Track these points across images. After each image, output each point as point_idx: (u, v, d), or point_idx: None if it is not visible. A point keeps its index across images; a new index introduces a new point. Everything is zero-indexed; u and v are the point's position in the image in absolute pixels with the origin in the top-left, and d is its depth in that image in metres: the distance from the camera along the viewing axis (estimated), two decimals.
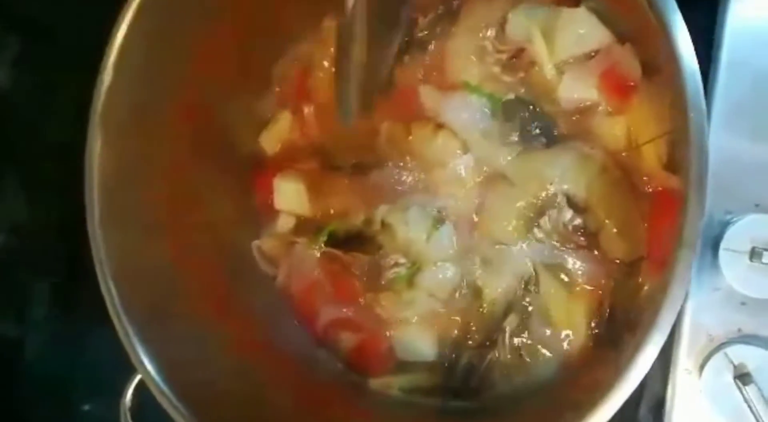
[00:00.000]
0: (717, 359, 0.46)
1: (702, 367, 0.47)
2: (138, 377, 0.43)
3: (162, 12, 0.46)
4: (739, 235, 0.45)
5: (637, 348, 0.33)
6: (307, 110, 0.58)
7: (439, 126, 0.52)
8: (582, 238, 0.48)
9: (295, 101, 0.58)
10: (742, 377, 0.45)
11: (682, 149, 0.32)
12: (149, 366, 0.42)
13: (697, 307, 0.47)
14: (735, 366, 0.45)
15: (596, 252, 0.48)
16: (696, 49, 0.49)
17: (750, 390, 0.44)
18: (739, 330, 0.46)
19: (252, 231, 0.58)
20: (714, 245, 0.47)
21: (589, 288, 0.48)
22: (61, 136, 0.57)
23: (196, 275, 0.51)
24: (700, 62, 0.49)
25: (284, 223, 0.57)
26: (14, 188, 0.68)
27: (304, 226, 0.57)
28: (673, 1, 0.33)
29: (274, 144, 0.58)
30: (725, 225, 0.47)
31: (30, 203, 0.68)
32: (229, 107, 0.56)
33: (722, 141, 0.47)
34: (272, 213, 0.58)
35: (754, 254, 0.44)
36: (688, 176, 0.32)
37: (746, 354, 0.45)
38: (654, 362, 0.51)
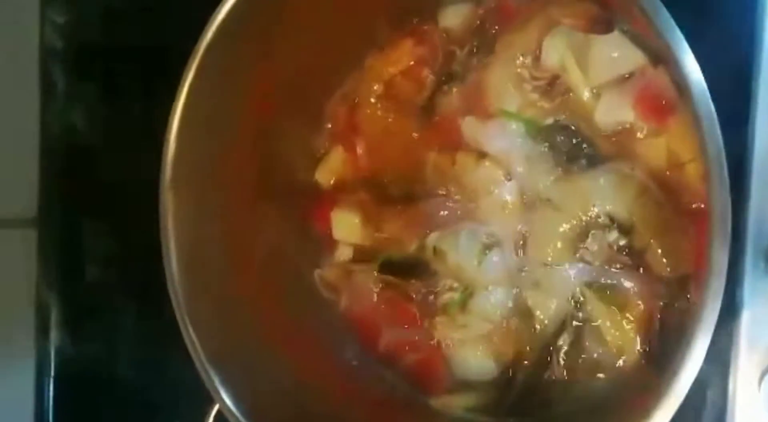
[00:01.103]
0: None
1: (762, 379, 0.47)
2: (216, 407, 0.47)
3: (217, 73, 0.50)
4: None
5: (671, 376, 0.34)
6: (358, 145, 0.61)
7: (482, 155, 0.54)
8: (628, 258, 0.48)
9: (346, 136, 0.61)
10: None
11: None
12: (225, 398, 0.46)
13: (754, 317, 0.47)
14: None
15: (643, 272, 0.48)
16: (737, 44, 0.49)
17: None
18: None
19: (313, 261, 0.62)
20: (766, 254, 0.46)
21: (637, 307, 0.48)
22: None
23: (266, 307, 0.55)
24: (741, 58, 0.48)
25: (343, 253, 0.61)
26: (102, 224, 0.74)
27: (362, 255, 0.60)
28: (677, 31, 0.34)
29: (328, 178, 0.62)
30: None
31: (116, 238, 0.74)
32: (287, 147, 0.60)
33: None
34: (331, 243, 0.61)
35: None
36: (710, 205, 0.32)
37: None
38: (716, 374, 0.51)
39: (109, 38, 0.68)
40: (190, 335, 0.48)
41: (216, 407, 0.47)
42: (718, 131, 0.33)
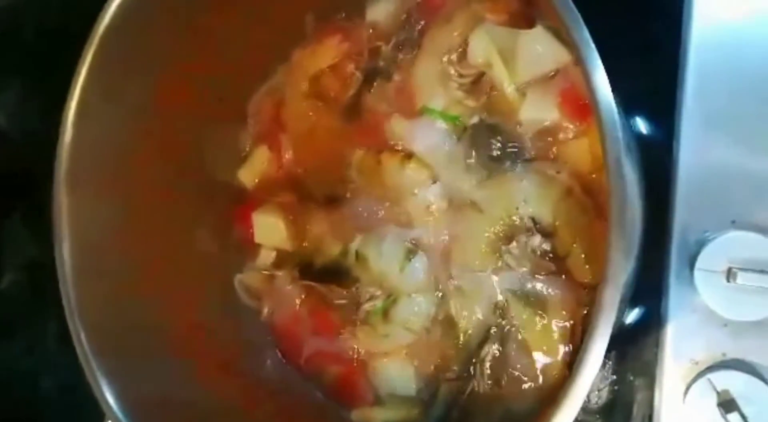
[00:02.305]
0: (700, 385, 0.44)
1: (686, 393, 0.45)
2: None
3: (120, 61, 0.47)
4: (714, 255, 0.43)
5: (567, 388, 0.31)
6: (283, 144, 0.58)
7: (408, 156, 0.51)
8: (551, 264, 0.46)
9: (271, 135, 0.59)
10: (726, 404, 0.42)
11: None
12: (116, 410, 0.43)
13: (677, 330, 0.45)
14: (718, 393, 0.43)
15: (567, 280, 0.46)
16: (660, 61, 0.48)
17: (732, 419, 0.41)
18: (724, 354, 0.44)
19: (235, 265, 0.59)
20: (691, 265, 0.45)
21: (561, 315, 0.46)
22: None
23: (172, 314, 0.52)
24: (666, 72, 0.47)
25: (265, 257, 0.58)
26: (23, 226, 0.70)
27: (285, 260, 0.57)
28: (585, 32, 0.32)
29: (252, 178, 0.59)
30: (702, 244, 0.45)
31: (37, 242, 0.70)
32: (207, 144, 0.57)
33: (696, 155, 0.46)
34: (254, 247, 0.58)
35: (731, 274, 0.42)
36: (610, 207, 0.30)
37: (730, 380, 0.43)
38: (644, 387, 0.49)
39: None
40: (81, 343, 0.44)
41: None
42: (619, 134, 0.31)
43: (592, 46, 0.32)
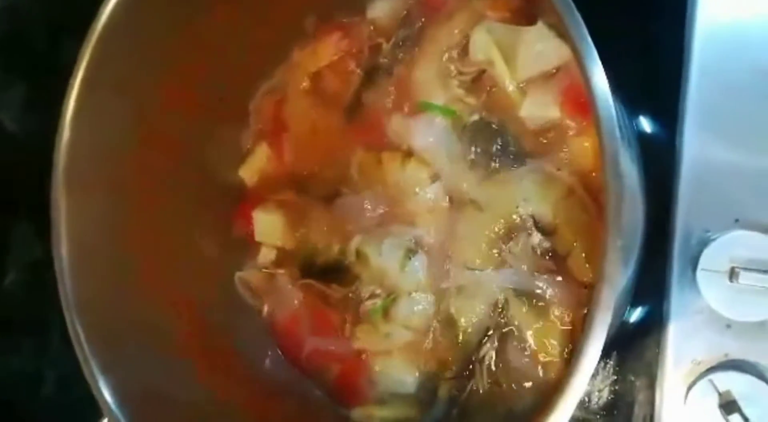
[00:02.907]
0: (701, 386, 0.43)
1: (688, 393, 0.44)
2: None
3: (119, 60, 0.47)
4: (717, 254, 0.43)
5: (562, 388, 0.31)
6: (284, 142, 0.58)
7: (408, 155, 0.51)
8: (551, 263, 0.46)
9: (271, 133, 0.58)
10: (727, 405, 0.42)
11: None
12: (114, 408, 0.43)
13: (680, 331, 0.45)
14: (720, 394, 0.43)
15: (568, 279, 0.46)
16: (663, 60, 0.47)
17: (734, 420, 0.41)
18: (726, 354, 0.44)
19: (235, 263, 0.59)
20: (694, 265, 0.44)
21: (562, 314, 0.46)
22: None
23: (172, 313, 0.52)
24: (669, 71, 0.47)
25: (265, 255, 0.58)
26: (27, 225, 0.70)
27: (285, 258, 0.57)
28: (584, 29, 0.32)
29: (252, 175, 0.59)
30: (705, 243, 0.44)
31: (41, 240, 0.70)
32: (207, 143, 0.57)
33: (699, 153, 0.45)
34: (254, 245, 0.58)
35: (733, 274, 0.42)
36: (606, 205, 0.30)
37: (732, 381, 0.43)
38: (645, 387, 0.49)
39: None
40: (80, 342, 0.44)
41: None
42: (616, 131, 0.30)
43: (590, 42, 0.32)
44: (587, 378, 0.31)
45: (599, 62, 0.31)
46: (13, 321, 0.69)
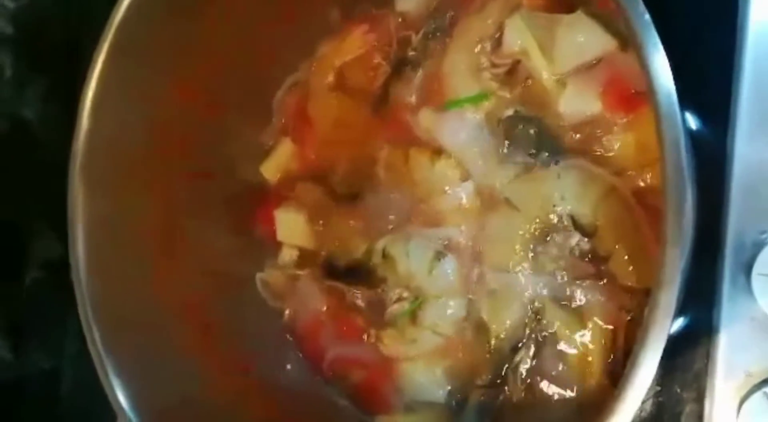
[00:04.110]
0: (755, 399, 0.40)
1: (740, 407, 0.41)
2: None
3: (138, 53, 0.45)
4: None
5: (614, 399, 0.28)
6: (307, 138, 0.56)
7: (437, 152, 0.49)
8: (591, 265, 0.43)
9: (295, 129, 0.57)
10: None
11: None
12: (129, 412, 0.41)
13: (731, 340, 0.42)
14: None
15: (609, 283, 0.43)
16: (714, 54, 0.44)
17: None
18: None
19: (257, 264, 0.57)
20: (747, 269, 0.41)
21: (601, 320, 0.43)
22: None
23: (191, 314, 0.50)
24: (719, 68, 0.44)
25: (287, 255, 0.56)
26: (45, 225, 0.69)
27: (308, 259, 0.55)
28: (646, 15, 0.29)
29: (274, 173, 0.57)
30: (760, 246, 0.41)
31: (61, 239, 0.69)
32: (229, 139, 0.55)
33: (752, 152, 0.42)
34: (276, 244, 0.56)
35: None
36: (665, 200, 0.27)
37: None
38: (692, 400, 0.46)
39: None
40: (95, 342, 0.43)
41: None
42: (680, 130, 0.28)
43: (652, 27, 0.29)
44: (644, 390, 0.28)
45: (661, 47, 0.29)
46: (29, 321, 0.68)
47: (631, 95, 0.42)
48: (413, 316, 0.49)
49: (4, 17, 0.68)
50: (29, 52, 0.68)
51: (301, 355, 0.54)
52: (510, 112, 0.47)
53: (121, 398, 0.41)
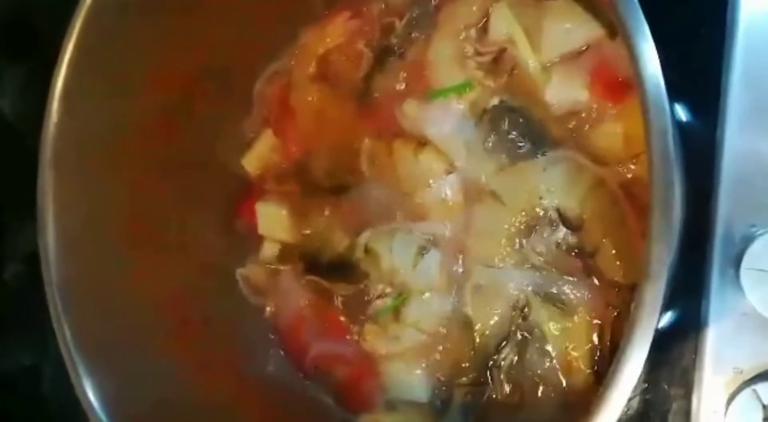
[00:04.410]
0: (744, 396, 0.39)
1: (729, 404, 0.40)
2: None
3: (111, 38, 0.44)
4: (763, 252, 0.39)
5: (599, 396, 0.27)
6: (289, 129, 0.54)
7: (422, 144, 0.47)
8: (577, 260, 0.42)
9: (277, 120, 0.55)
10: None
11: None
12: (99, 411, 0.39)
13: (720, 336, 0.41)
14: (765, 406, 0.39)
15: (594, 278, 0.42)
16: (704, 45, 0.43)
17: None
18: None
19: (237, 259, 0.55)
20: (736, 263, 0.40)
21: (587, 316, 0.42)
22: None
23: (173, 310, 0.48)
24: (709, 59, 0.43)
25: (268, 250, 0.54)
26: (26, 217, 0.67)
27: (290, 253, 0.54)
28: (636, 3, 0.28)
29: (256, 165, 0.55)
30: (749, 240, 0.40)
31: None
32: (208, 129, 0.54)
33: (742, 144, 0.41)
34: (258, 239, 0.55)
35: None
36: (652, 191, 0.26)
37: None
38: (680, 397, 0.45)
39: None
40: (65, 339, 0.41)
41: None
42: (668, 119, 0.27)
43: (641, 15, 0.28)
44: (630, 387, 0.27)
45: (649, 35, 0.27)
46: (10, 317, 0.66)
47: (618, 84, 0.41)
48: (396, 313, 0.48)
49: None
50: (5, 41, 0.66)
51: (283, 353, 0.53)
52: (495, 101, 0.45)
53: (93, 399, 0.39)
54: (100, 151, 0.45)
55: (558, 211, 0.42)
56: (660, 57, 0.31)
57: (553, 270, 0.43)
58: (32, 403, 0.65)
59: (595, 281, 0.42)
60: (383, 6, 0.50)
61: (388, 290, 0.49)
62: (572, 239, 0.42)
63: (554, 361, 0.44)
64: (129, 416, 0.41)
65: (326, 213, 0.52)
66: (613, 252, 0.40)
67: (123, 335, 0.44)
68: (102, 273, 0.45)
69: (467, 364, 0.47)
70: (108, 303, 0.44)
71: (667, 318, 0.45)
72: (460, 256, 0.47)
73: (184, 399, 0.44)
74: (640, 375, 0.45)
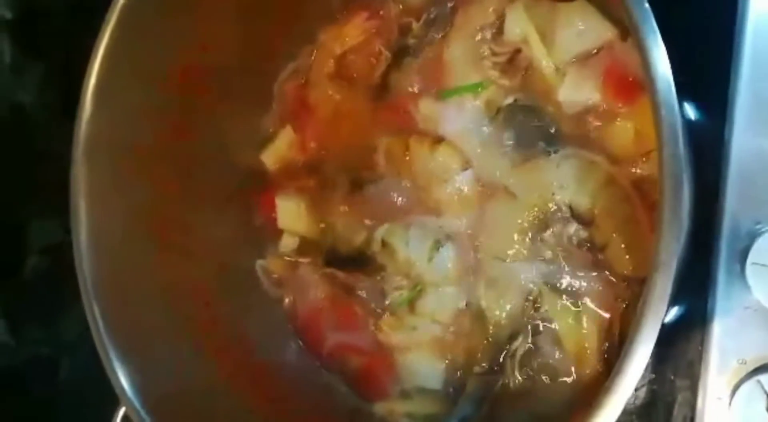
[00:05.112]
0: (748, 387, 0.41)
1: (733, 395, 0.42)
2: (123, 409, 0.42)
3: (141, 38, 0.45)
4: None
5: (606, 387, 0.29)
6: (307, 126, 0.56)
7: (438, 141, 0.49)
8: (588, 254, 0.43)
9: (296, 117, 0.57)
10: None
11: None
12: (131, 396, 0.41)
13: (725, 328, 0.42)
14: None
15: (605, 272, 0.43)
16: (712, 43, 0.44)
17: None
18: None
19: (257, 251, 0.57)
20: (742, 259, 0.41)
21: (598, 310, 0.43)
22: None
23: (196, 301, 0.50)
24: (717, 57, 0.44)
25: (287, 243, 0.56)
26: (45, 210, 0.69)
27: (308, 246, 0.55)
28: (646, 4, 0.29)
29: (274, 160, 0.57)
30: (755, 235, 0.41)
31: (61, 224, 0.69)
32: (230, 125, 0.55)
33: (749, 143, 0.42)
34: (276, 232, 0.57)
35: None
36: (662, 187, 0.27)
37: None
38: (685, 388, 0.46)
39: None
40: (98, 327, 0.43)
41: (122, 410, 0.42)
42: (678, 117, 0.28)
43: (651, 16, 0.29)
44: (637, 376, 0.28)
45: (659, 37, 0.29)
46: (30, 307, 0.68)
47: (629, 84, 0.42)
48: (412, 304, 0.50)
49: (2, 2, 0.68)
50: (27, 38, 0.68)
51: (300, 343, 0.55)
52: (510, 100, 0.47)
53: (125, 384, 0.41)
54: (128, 146, 0.46)
55: (570, 206, 0.44)
56: (670, 56, 0.32)
57: (565, 263, 0.44)
58: (48, 393, 0.66)
59: (606, 274, 0.43)
60: (401, 7, 0.52)
61: (405, 282, 0.50)
62: (583, 234, 0.43)
63: (565, 352, 0.45)
64: (156, 399, 0.42)
65: (344, 207, 0.53)
66: (623, 246, 0.42)
67: (149, 324, 0.46)
68: (130, 262, 0.46)
69: (481, 354, 0.48)
70: (136, 294, 0.46)
71: (674, 312, 0.47)
72: (475, 250, 0.48)
73: (205, 385, 0.46)
74: (648, 366, 0.47)
